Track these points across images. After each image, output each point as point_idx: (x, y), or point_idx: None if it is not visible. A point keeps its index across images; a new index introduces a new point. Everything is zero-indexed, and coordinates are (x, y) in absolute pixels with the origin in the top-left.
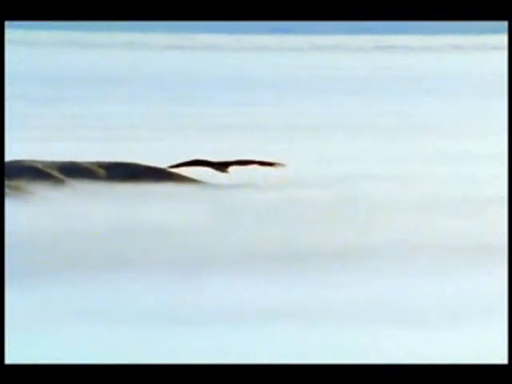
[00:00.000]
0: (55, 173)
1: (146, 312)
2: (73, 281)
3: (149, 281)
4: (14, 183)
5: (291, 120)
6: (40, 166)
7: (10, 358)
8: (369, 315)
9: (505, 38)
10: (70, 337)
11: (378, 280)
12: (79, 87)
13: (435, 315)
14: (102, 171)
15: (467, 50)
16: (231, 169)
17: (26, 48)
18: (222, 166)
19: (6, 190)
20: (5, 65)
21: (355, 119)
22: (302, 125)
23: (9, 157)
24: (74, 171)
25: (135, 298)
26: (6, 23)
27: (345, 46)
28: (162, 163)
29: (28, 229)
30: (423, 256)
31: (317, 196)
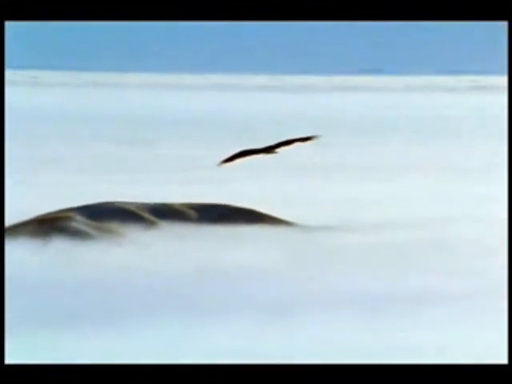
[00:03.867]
0: (146, 214)
1: (236, 354)
2: (161, 321)
3: (236, 323)
4: (105, 225)
5: (380, 160)
6: (131, 207)
7: (10, 358)
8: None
9: None
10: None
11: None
12: (168, 129)
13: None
14: (192, 213)
15: None
16: (278, 150)
17: (109, 89)
18: (268, 150)
19: (97, 232)
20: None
21: (445, 160)
22: (392, 165)
23: (100, 199)
24: (165, 213)
25: (223, 339)
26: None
27: (438, 85)
28: (251, 204)
29: (119, 271)
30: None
31: (404, 238)
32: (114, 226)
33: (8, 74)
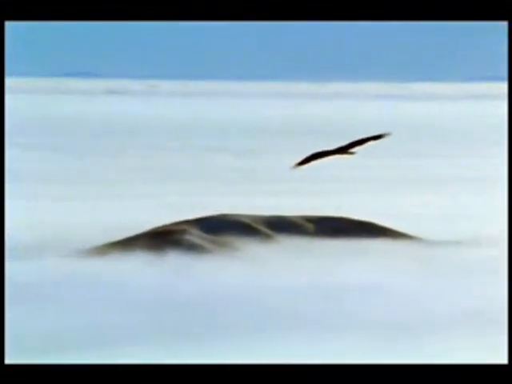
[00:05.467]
0: (262, 228)
1: None
2: (274, 337)
3: (357, 340)
4: (221, 239)
5: (476, 171)
6: (247, 220)
7: (10, 358)
8: None
9: None
10: None
11: None
12: (268, 138)
13: None
14: (309, 226)
15: None
16: (353, 149)
17: (206, 99)
18: (340, 151)
19: (212, 246)
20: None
21: None
22: (488, 175)
23: (214, 211)
24: (281, 226)
25: (341, 357)
26: None
27: None
28: (369, 217)
29: (236, 285)
30: None
31: None
32: (230, 239)
33: (126, 83)
